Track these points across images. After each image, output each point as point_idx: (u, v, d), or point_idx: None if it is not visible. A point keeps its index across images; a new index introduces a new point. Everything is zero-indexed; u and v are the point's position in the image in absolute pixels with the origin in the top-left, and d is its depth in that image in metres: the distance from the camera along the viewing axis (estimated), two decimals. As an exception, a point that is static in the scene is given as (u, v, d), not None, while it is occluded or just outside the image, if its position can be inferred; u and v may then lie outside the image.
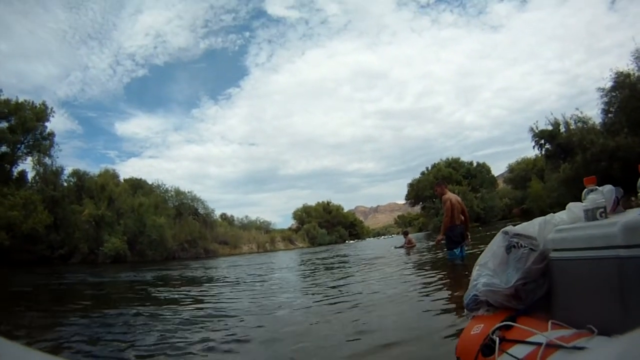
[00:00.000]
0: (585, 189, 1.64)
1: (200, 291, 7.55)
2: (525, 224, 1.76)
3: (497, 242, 1.79)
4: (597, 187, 1.64)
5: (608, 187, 1.72)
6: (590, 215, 1.57)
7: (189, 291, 7.67)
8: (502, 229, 1.80)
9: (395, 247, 16.06)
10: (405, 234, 17.22)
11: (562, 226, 1.63)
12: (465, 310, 1.91)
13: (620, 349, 0.64)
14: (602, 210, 1.56)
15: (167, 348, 3.21)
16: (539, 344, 1.34)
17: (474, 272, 1.90)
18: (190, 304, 5.91)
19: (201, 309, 5.20)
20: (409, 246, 15.02)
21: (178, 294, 7.34)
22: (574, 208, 1.71)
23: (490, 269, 1.77)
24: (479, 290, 1.78)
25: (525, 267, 1.62)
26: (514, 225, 1.82)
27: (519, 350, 1.42)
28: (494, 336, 1.52)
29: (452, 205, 7.42)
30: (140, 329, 4.06)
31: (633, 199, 2.18)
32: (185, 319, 4.41)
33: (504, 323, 1.56)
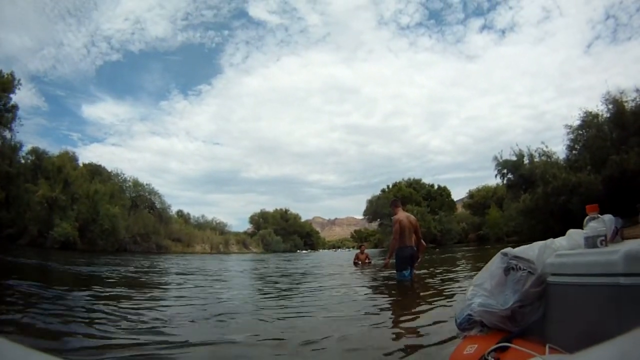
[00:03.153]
0: (587, 217, 1.63)
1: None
2: (524, 247, 1.74)
3: (496, 263, 1.76)
4: (598, 215, 1.63)
5: (608, 217, 1.72)
6: (591, 242, 1.56)
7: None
8: (501, 251, 1.78)
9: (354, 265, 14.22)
10: (362, 247, 15.66)
11: (561, 251, 1.62)
12: (457, 329, 1.87)
13: (611, 353, 0.61)
14: (602, 238, 1.55)
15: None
16: None
17: (469, 292, 1.87)
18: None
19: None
20: (364, 262, 13.94)
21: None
22: (574, 235, 1.70)
23: (487, 289, 1.74)
24: (473, 310, 1.74)
25: (523, 289, 1.60)
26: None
27: None
28: (489, 357, 1.48)
29: (402, 226, 7.17)
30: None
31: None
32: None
33: (501, 344, 1.51)
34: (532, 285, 1.59)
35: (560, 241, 1.71)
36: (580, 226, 1.73)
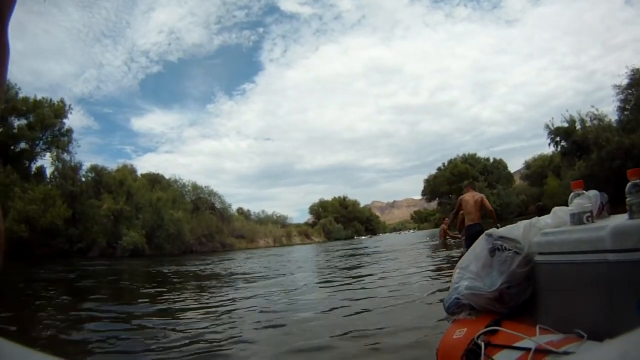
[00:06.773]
0: (572, 193, 1.63)
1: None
2: (509, 226, 1.74)
3: (481, 245, 1.76)
4: (584, 191, 1.62)
5: (593, 192, 1.70)
6: (577, 219, 1.54)
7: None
8: (486, 232, 1.78)
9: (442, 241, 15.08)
10: (445, 221, 15.89)
11: (548, 229, 1.60)
12: (445, 313, 1.89)
13: (611, 353, 0.64)
14: (588, 214, 1.53)
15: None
16: (528, 349, 1.32)
17: (455, 275, 1.88)
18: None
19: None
20: (444, 238, 14.70)
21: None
22: (560, 212, 1.69)
23: (473, 272, 1.75)
24: (461, 294, 1.76)
25: (510, 270, 1.60)
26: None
27: (506, 355, 1.40)
28: (479, 341, 1.50)
29: (464, 203, 7.70)
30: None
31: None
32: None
33: (490, 328, 1.53)
34: (518, 266, 1.59)
35: (545, 219, 1.69)
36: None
